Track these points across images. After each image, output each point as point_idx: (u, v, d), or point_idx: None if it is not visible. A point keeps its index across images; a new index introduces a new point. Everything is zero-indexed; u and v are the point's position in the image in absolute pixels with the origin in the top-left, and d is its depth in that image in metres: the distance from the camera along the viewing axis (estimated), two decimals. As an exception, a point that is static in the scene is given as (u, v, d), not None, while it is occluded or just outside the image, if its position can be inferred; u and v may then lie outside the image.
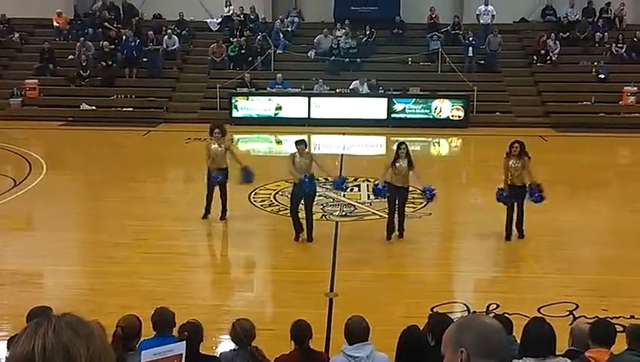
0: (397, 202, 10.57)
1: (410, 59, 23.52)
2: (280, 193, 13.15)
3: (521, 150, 10.75)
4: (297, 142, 10.68)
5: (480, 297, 8.81)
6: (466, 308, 8.29)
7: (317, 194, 11.02)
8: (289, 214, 10.72)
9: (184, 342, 4.88)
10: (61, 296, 8.50)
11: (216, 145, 11.50)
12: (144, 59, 23.40)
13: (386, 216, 10.81)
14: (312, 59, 23.65)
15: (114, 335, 4.91)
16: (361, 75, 22.00)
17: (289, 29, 24.86)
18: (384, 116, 21.24)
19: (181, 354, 4.69)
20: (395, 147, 11.10)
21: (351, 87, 21.79)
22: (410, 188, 11.00)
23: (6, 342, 6.29)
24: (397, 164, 10.57)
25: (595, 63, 23.20)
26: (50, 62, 23.43)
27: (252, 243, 10.98)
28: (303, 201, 10.56)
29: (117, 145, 18.83)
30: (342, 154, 17.79)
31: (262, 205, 12.45)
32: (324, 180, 14.44)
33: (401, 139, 19.99)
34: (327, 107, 21.33)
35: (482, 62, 23.39)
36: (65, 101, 22.40)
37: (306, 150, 10.77)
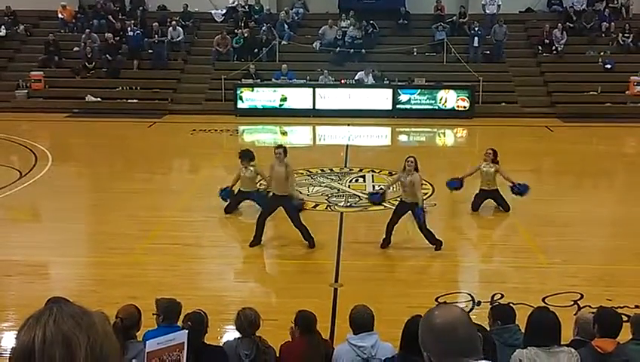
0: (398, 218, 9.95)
1: (415, 49, 23.46)
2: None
3: (495, 156, 11.74)
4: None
5: (485, 287, 8.81)
6: (470, 298, 8.29)
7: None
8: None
9: (186, 330, 4.90)
10: (67, 287, 8.53)
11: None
12: (149, 51, 23.41)
13: (391, 206, 10.73)
14: (316, 50, 23.60)
15: (114, 325, 4.94)
16: (366, 66, 21.96)
17: (294, 19, 24.81)
18: (389, 107, 21.20)
19: (183, 343, 4.71)
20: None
21: (356, 77, 21.75)
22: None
23: (13, 332, 6.34)
24: (403, 180, 9.81)
25: (602, 53, 23.11)
26: (56, 54, 23.45)
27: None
28: (288, 215, 10.09)
29: (122, 136, 18.86)
30: (347, 145, 17.79)
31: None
32: (328, 171, 14.46)
33: (407, 130, 20.23)
34: (332, 98, 21.31)
35: (488, 52, 23.30)
36: (70, 93, 22.43)
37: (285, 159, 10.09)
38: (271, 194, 10.36)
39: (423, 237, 9.91)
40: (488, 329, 5.26)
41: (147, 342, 4.77)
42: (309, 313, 5.58)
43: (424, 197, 10.54)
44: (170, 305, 5.61)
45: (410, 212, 9.85)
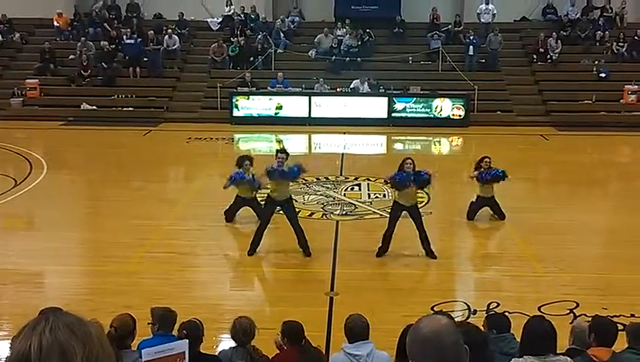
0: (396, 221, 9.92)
1: (410, 58, 23.51)
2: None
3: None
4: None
5: (480, 296, 8.80)
6: (466, 307, 8.29)
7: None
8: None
9: (186, 340, 4.88)
10: (62, 296, 8.50)
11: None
12: (145, 59, 23.40)
13: (387, 214, 10.67)
14: (312, 59, 23.64)
15: (107, 334, 4.92)
16: (361, 74, 22.00)
17: (290, 28, 24.85)
18: (385, 115, 21.24)
19: (183, 352, 4.70)
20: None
21: (351, 86, 21.78)
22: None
23: (7, 341, 6.30)
24: None
25: (596, 62, 23.20)
26: (51, 62, 23.44)
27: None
28: (288, 220, 10.13)
29: (118, 144, 18.84)
30: (342, 154, 17.79)
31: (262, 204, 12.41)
32: (324, 179, 14.47)
33: (403, 138, 20.26)
34: (327, 106, 21.32)
35: (483, 61, 23.38)
36: (65, 101, 22.41)
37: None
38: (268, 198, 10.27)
39: (418, 245, 9.90)
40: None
41: (143, 350, 4.76)
42: (295, 323, 5.57)
43: (421, 205, 10.57)
44: (166, 313, 5.60)
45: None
